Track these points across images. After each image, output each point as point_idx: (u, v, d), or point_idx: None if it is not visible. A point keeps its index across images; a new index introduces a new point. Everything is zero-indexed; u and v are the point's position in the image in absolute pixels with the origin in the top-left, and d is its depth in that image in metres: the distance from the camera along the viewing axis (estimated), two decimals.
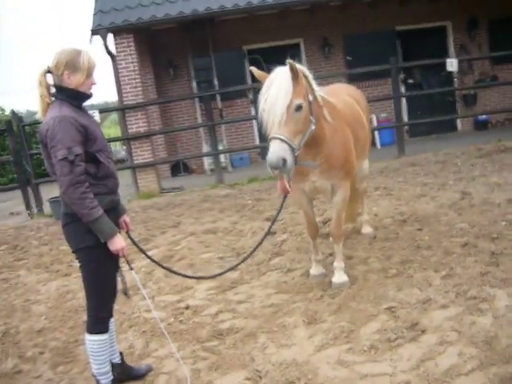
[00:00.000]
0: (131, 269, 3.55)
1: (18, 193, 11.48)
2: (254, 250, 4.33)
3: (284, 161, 3.69)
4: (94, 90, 3.31)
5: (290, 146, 3.74)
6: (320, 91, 4.72)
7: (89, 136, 3.12)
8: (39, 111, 3.24)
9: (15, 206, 12.14)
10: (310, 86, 4.11)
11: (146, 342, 4.29)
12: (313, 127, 4.02)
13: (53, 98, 3.22)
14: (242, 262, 4.49)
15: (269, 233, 4.52)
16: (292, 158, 3.76)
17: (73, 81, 3.15)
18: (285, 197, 4.31)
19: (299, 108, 3.85)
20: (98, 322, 3.37)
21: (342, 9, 13.21)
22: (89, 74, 3.18)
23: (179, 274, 4.38)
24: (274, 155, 3.68)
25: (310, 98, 4.01)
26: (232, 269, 4.51)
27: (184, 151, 13.75)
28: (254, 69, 4.19)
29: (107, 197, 3.24)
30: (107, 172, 3.24)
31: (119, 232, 3.29)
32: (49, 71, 3.20)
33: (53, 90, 3.23)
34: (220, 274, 4.57)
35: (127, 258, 3.35)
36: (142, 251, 3.89)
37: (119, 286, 3.49)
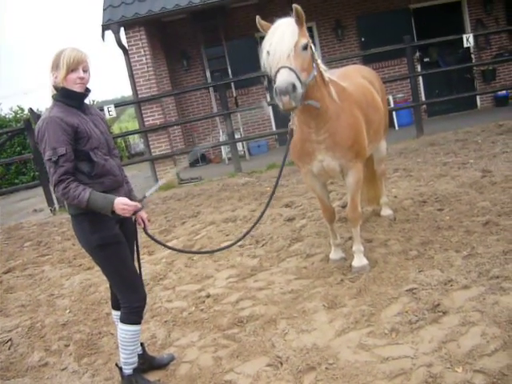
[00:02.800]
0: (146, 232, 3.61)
1: (40, 190, 11.62)
2: (257, 221, 4.34)
3: (294, 86, 3.66)
4: (89, 86, 3.28)
5: (297, 76, 3.73)
6: (333, 74, 4.69)
7: (79, 135, 3.13)
8: None
9: (38, 203, 12.29)
10: (313, 56, 4.08)
11: (168, 331, 4.32)
12: (315, 73, 4.01)
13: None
14: (245, 235, 4.37)
15: (270, 202, 4.43)
16: (301, 85, 3.74)
17: (59, 79, 3.15)
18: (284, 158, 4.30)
19: (305, 47, 3.86)
20: (132, 312, 3.40)
21: None
22: (69, 68, 3.13)
23: (182, 251, 4.44)
24: (283, 81, 3.65)
25: (314, 65, 4.01)
26: (236, 243, 4.54)
27: (201, 141, 13.77)
28: (258, 19, 4.14)
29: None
30: (102, 170, 3.23)
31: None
32: None
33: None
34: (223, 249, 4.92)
35: (138, 217, 3.39)
36: (160, 243, 3.90)
37: None
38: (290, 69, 3.70)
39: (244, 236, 4.35)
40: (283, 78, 3.66)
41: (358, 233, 4.79)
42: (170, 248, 4.21)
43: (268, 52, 3.87)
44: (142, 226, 3.58)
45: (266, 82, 13.15)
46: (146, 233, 3.64)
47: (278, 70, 3.73)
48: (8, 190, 14.38)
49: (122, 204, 3.12)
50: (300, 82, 3.72)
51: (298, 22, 3.87)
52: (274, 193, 4.41)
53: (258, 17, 4.11)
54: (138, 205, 3.27)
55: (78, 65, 3.15)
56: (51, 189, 3.14)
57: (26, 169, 17.63)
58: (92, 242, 3.23)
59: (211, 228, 7.11)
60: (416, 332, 3.52)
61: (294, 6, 3.83)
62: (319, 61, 4.18)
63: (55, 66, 3.16)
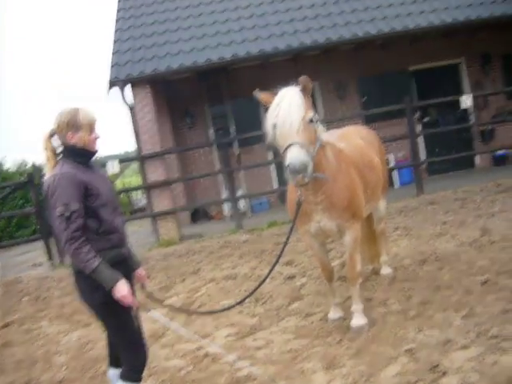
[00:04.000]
0: (148, 311, 3.57)
1: (40, 244, 11.65)
2: (262, 282, 4.40)
3: (306, 165, 3.73)
4: (98, 145, 3.38)
5: (307, 152, 3.79)
6: (332, 135, 4.81)
7: (90, 192, 3.19)
8: (47, 171, 3.32)
9: (38, 257, 12.29)
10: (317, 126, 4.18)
11: None
12: (319, 143, 4.08)
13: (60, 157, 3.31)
14: (248, 296, 4.48)
15: (276, 264, 4.52)
16: (311, 162, 3.81)
17: (76, 139, 3.24)
18: (291, 227, 4.33)
19: (311, 120, 3.94)
20: (133, 370, 3.39)
21: (354, 51, 13.40)
22: (90, 129, 3.27)
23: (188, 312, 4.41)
24: (296, 159, 3.70)
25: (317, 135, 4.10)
26: (240, 303, 4.64)
27: (203, 198, 13.88)
28: (257, 92, 4.25)
29: (111, 251, 3.27)
30: (110, 227, 3.27)
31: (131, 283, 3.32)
32: (53, 134, 3.31)
33: (59, 150, 3.33)
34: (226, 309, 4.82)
35: (134, 305, 3.34)
36: (158, 301, 3.92)
37: None
38: (301, 146, 3.77)
39: (246, 298, 4.47)
40: (295, 157, 3.72)
41: (357, 292, 4.79)
42: (169, 307, 4.20)
43: (274, 125, 3.92)
44: (141, 283, 3.60)
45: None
46: (145, 292, 3.65)
47: (288, 147, 3.79)
48: (9, 243, 14.40)
49: (122, 291, 3.15)
50: (310, 157, 3.81)
51: (304, 92, 3.97)
52: (280, 256, 4.49)
53: (257, 91, 4.23)
54: (136, 303, 3.31)
55: (95, 125, 3.30)
56: (62, 245, 3.12)
57: (27, 222, 17.69)
58: (96, 299, 3.24)
59: (211, 285, 7.09)
60: None
61: (303, 77, 3.92)
62: (320, 126, 4.26)
63: (73, 126, 3.22)
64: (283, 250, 4.44)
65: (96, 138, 3.33)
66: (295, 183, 3.89)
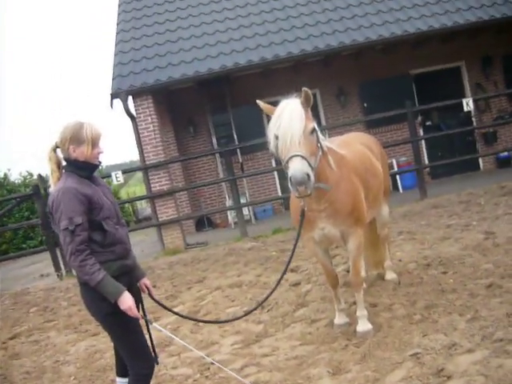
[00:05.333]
0: (150, 323, 3.60)
1: (47, 255, 11.70)
2: (274, 289, 4.51)
3: (308, 176, 3.78)
4: (101, 159, 3.42)
5: (309, 163, 3.84)
6: (333, 142, 4.85)
7: (93, 205, 3.23)
8: (51, 184, 3.37)
9: (45, 268, 12.36)
10: (318, 137, 4.23)
11: None
12: (320, 153, 4.14)
13: (63, 171, 3.36)
14: (253, 310, 4.62)
15: (285, 273, 4.63)
16: (313, 174, 3.86)
17: (78, 153, 3.28)
18: (298, 236, 4.39)
19: (313, 131, 4.00)
20: (140, 379, 3.41)
21: (355, 57, 13.48)
22: (93, 144, 3.30)
23: (200, 321, 4.70)
24: (299, 171, 3.75)
25: (318, 145, 4.15)
26: (246, 315, 4.79)
27: (207, 206, 13.94)
28: (260, 102, 4.31)
29: (116, 263, 3.31)
30: (114, 239, 3.32)
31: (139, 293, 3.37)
32: (57, 146, 3.35)
33: (64, 163, 3.37)
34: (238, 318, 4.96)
35: (138, 316, 3.37)
36: (166, 308, 3.96)
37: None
38: (302, 157, 3.83)
39: (255, 308, 4.58)
40: (298, 168, 3.77)
41: (362, 298, 4.82)
42: (180, 315, 4.24)
43: (276, 136, 3.99)
44: (147, 292, 3.64)
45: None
46: (153, 298, 3.69)
47: (290, 158, 3.85)
48: (15, 255, 14.47)
49: (127, 303, 3.21)
50: (311, 168, 3.86)
51: (305, 104, 4.02)
52: (289, 263, 4.57)
53: (258, 101, 4.30)
54: (139, 316, 3.36)
55: (99, 140, 3.33)
56: (67, 258, 3.17)
57: (33, 233, 17.77)
58: (103, 309, 3.27)
59: (217, 293, 7.12)
60: None
61: (304, 89, 3.97)
62: (320, 135, 4.30)
63: (75, 140, 3.27)
64: (290, 261, 4.52)
65: (99, 153, 3.36)
66: (298, 194, 3.94)
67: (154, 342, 5.02)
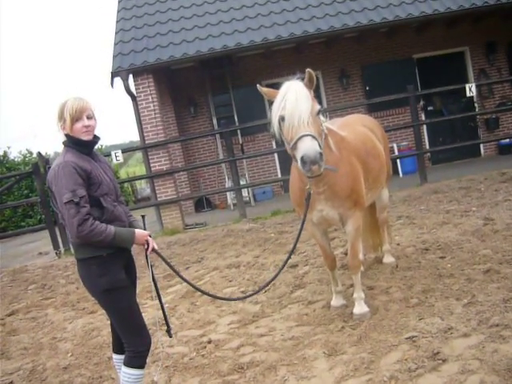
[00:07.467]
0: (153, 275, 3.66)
1: (45, 233, 11.72)
2: (280, 270, 4.48)
3: (321, 154, 3.74)
4: (90, 134, 3.31)
5: (319, 143, 3.81)
6: (334, 123, 4.82)
7: (92, 180, 3.22)
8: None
9: (43, 246, 12.38)
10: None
11: (169, 377, 4.33)
12: (324, 135, 4.12)
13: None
14: (262, 289, 4.66)
15: (290, 258, 4.60)
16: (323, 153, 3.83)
17: (68, 130, 3.27)
18: (302, 223, 4.37)
19: (318, 112, 3.97)
20: (137, 356, 3.42)
21: (358, 40, 13.37)
22: (73, 118, 3.24)
23: (208, 294, 4.58)
24: (311, 149, 3.71)
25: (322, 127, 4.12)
26: (255, 293, 4.87)
27: (207, 187, 13.92)
28: (260, 87, 4.26)
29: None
30: (111, 216, 3.31)
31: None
32: None
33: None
34: (244, 298, 5.12)
35: (155, 247, 3.54)
36: (173, 269, 4.02)
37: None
38: (313, 136, 3.78)
39: (261, 289, 4.73)
40: (309, 147, 3.72)
41: (359, 280, 4.82)
42: (189, 283, 4.20)
43: (282, 117, 3.92)
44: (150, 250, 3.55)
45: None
46: (156, 252, 3.62)
47: (299, 138, 3.78)
48: (14, 232, 14.53)
49: (142, 238, 3.40)
50: (321, 148, 3.82)
51: (309, 85, 3.97)
52: (293, 250, 4.60)
53: (259, 86, 4.24)
54: (156, 246, 3.56)
55: (81, 114, 3.25)
56: (73, 231, 3.11)
57: (32, 212, 17.78)
58: (100, 286, 3.28)
59: (214, 274, 7.14)
60: (415, 380, 3.52)
61: (308, 70, 3.93)
62: (321, 116, 4.26)
63: (60, 118, 3.28)
64: (295, 245, 4.57)
65: (83, 126, 3.27)
66: (311, 173, 3.87)
67: (151, 321, 5.06)
